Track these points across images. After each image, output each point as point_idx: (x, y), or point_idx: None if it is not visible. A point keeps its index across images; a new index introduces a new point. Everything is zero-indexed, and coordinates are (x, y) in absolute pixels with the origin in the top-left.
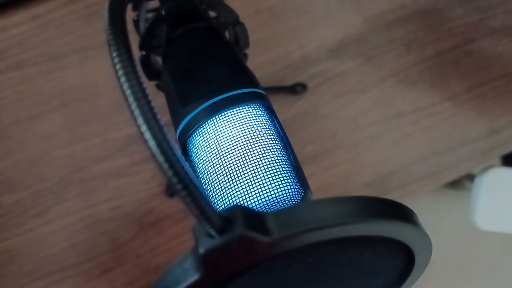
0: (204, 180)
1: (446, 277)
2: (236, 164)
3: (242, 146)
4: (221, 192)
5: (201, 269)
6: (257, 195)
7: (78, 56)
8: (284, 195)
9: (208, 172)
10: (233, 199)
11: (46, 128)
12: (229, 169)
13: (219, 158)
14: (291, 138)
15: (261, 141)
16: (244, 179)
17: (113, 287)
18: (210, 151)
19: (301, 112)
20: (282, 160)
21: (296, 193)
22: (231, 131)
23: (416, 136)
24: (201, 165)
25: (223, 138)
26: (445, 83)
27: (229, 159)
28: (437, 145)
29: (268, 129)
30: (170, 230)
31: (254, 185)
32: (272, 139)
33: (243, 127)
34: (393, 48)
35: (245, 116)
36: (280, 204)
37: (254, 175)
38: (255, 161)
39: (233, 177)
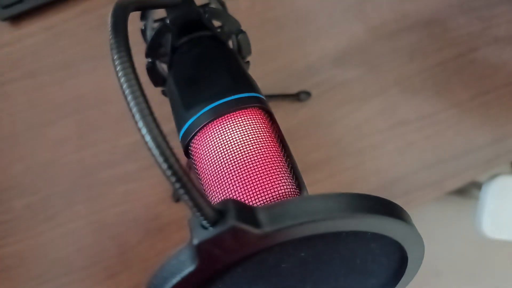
0: (204, 181)
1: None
2: (234, 164)
3: (241, 147)
4: (219, 192)
5: (196, 260)
6: (254, 195)
7: (90, 65)
8: (280, 195)
9: (208, 174)
10: (231, 198)
11: (57, 135)
12: (227, 169)
13: (218, 159)
14: (295, 145)
15: (260, 143)
16: (241, 179)
17: None
18: (210, 153)
19: (305, 119)
20: (279, 161)
21: (292, 193)
22: (231, 133)
23: (420, 144)
24: (201, 166)
25: (223, 140)
26: (449, 91)
27: (227, 160)
28: (441, 153)
29: (266, 132)
30: (176, 235)
31: (250, 185)
32: (270, 141)
33: (243, 130)
34: (397, 57)
35: (244, 119)
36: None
37: (251, 175)
38: (253, 162)
39: (230, 177)
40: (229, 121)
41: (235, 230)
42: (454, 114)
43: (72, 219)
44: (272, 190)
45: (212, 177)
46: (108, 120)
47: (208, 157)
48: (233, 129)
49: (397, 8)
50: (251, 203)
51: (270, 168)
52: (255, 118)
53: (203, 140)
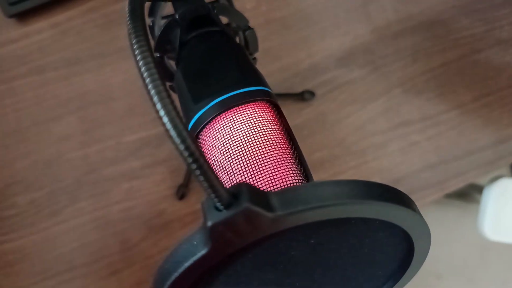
0: None
1: None
2: (242, 157)
3: (249, 140)
4: (228, 184)
5: (209, 243)
6: (262, 186)
7: (96, 62)
8: (288, 186)
9: (216, 166)
10: None
11: (62, 131)
12: (235, 162)
13: (226, 152)
14: (299, 145)
15: (267, 135)
16: (249, 171)
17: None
18: (218, 145)
19: (309, 119)
20: (287, 153)
21: (299, 184)
22: (239, 126)
23: (423, 145)
24: (210, 159)
25: (231, 132)
26: (452, 93)
27: (235, 152)
28: (444, 153)
29: (274, 124)
30: (179, 232)
31: (258, 177)
32: (278, 133)
33: (251, 122)
34: (400, 57)
35: (252, 111)
36: None
37: (258, 167)
38: (261, 154)
39: (238, 170)
40: (237, 114)
41: (248, 213)
42: (456, 115)
43: (75, 216)
44: (280, 181)
45: (220, 169)
46: (113, 117)
47: (216, 149)
48: (241, 121)
49: (401, 9)
50: None
51: (278, 160)
52: (262, 111)
53: (211, 132)
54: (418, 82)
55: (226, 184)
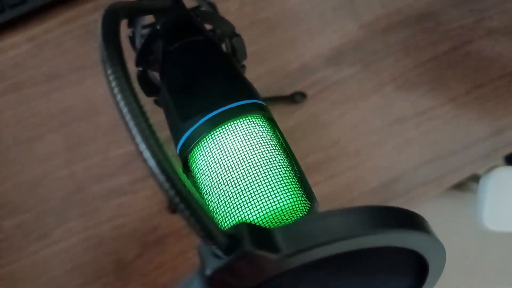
0: (207, 196)
1: (455, 283)
2: (239, 177)
3: (244, 159)
4: (225, 208)
5: None
6: (263, 209)
7: (76, 75)
8: (290, 207)
9: (211, 188)
10: (238, 214)
11: (46, 149)
12: (232, 183)
13: (221, 172)
14: (293, 148)
15: (264, 153)
16: (248, 192)
17: None
18: (211, 166)
19: (301, 121)
20: (286, 172)
21: (302, 205)
22: (233, 144)
23: (419, 140)
24: (203, 180)
25: (225, 152)
26: (445, 86)
27: (232, 173)
28: (440, 148)
29: (270, 141)
30: (174, 247)
31: (258, 199)
32: (275, 150)
33: (245, 140)
34: (391, 53)
35: (246, 128)
36: (287, 217)
37: (258, 188)
38: (259, 174)
39: (236, 192)
40: (229, 131)
41: (250, 257)
42: (451, 108)
43: (65, 237)
44: (281, 203)
45: (215, 191)
46: (97, 131)
47: (210, 170)
48: (234, 139)
49: (389, 3)
50: (259, 218)
51: (277, 179)
52: (257, 127)
53: (203, 152)
54: (410, 77)
55: (224, 209)
